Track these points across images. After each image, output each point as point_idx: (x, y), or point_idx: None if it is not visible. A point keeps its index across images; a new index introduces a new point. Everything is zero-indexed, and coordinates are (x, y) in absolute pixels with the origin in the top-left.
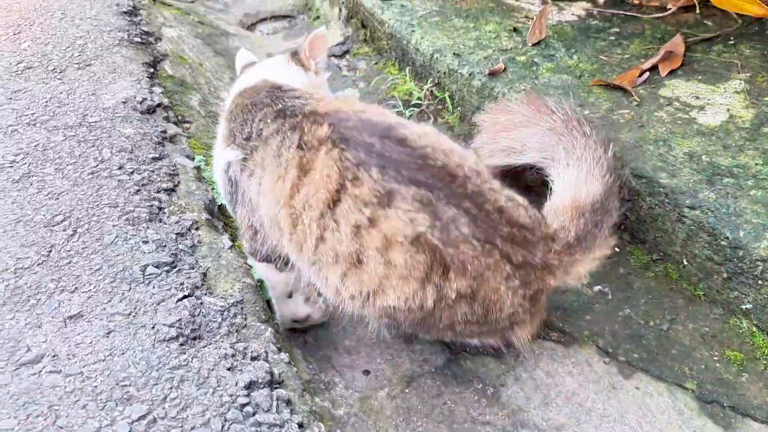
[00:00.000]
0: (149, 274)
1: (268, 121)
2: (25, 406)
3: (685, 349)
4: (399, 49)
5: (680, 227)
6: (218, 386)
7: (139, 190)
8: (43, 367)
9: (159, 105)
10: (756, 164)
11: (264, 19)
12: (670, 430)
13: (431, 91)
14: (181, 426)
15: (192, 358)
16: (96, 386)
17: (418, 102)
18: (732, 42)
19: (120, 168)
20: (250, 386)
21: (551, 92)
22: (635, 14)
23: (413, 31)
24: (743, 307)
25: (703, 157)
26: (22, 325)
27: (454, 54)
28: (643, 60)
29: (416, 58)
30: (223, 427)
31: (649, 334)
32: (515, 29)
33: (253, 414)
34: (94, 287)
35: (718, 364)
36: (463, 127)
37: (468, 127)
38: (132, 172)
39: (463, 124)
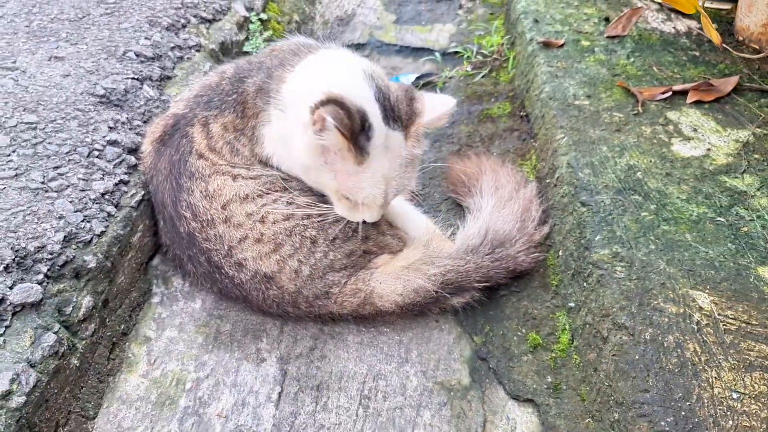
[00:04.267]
0: (125, 56)
1: None
2: None
3: (500, 315)
4: (508, 3)
5: (569, 219)
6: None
7: (179, 8)
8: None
9: None
10: (677, 198)
11: None
12: (440, 353)
13: (505, 48)
14: None
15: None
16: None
17: (484, 53)
18: None
19: None
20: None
21: (576, 77)
22: (729, 48)
23: None
24: (569, 304)
25: (639, 173)
26: (23, 47)
27: (534, 20)
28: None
29: (511, 15)
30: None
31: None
32: (607, 18)
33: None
34: (85, 46)
35: (515, 338)
36: (502, 87)
37: (507, 87)
38: None
39: (507, 85)
